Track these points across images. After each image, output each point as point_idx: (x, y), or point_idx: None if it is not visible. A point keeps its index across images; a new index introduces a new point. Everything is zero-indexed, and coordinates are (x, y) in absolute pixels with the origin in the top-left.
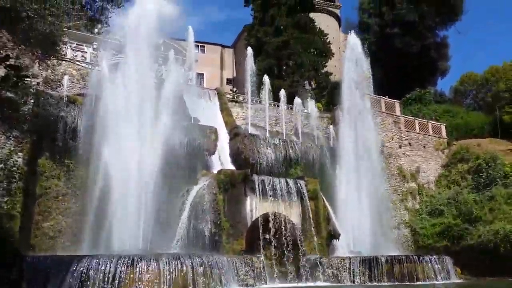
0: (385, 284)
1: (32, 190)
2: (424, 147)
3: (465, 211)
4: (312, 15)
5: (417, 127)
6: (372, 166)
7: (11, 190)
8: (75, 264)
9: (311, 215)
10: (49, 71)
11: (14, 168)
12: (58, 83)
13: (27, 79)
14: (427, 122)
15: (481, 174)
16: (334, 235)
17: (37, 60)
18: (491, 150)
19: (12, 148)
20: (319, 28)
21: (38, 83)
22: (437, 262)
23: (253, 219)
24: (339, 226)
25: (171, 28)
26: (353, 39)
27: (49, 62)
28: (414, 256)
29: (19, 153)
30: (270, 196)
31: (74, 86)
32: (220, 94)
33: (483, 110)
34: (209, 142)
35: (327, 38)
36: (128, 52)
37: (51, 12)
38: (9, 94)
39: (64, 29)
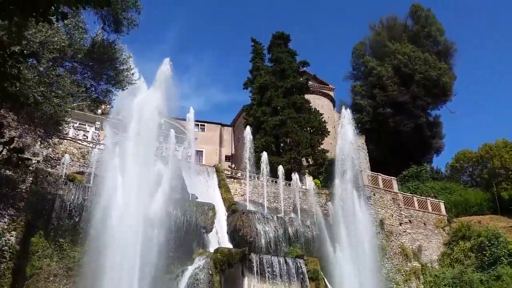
0: None
1: (23, 271)
2: (425, 224)
3: None
4: (307, 96)
5: (416, 204)
6: (370, 244)
7: (0, 271)
8: None
9: None
10: (50, 149)
11: (6, 247)
12: (58, 161)
13: (25, 163)
14: (426, 199)
15: (484, 252)
16: None
17: (39, 139)
18: (492, 227)
19: (5, 227)
20: (314, 108)
21: (38, 161)
22: None
23: None
24: None
25: (173, 109)
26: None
27: (50, 141)
28: None
29: (12, 232)
30: (269, 276)
31: (74, 164)
32: (218, 171)
33: (480, 186)
34: (206, 219)
35: (322, 117)
36: (129, 133)
37: (57, 94)
38: (8, 172)
39: (68, 109)
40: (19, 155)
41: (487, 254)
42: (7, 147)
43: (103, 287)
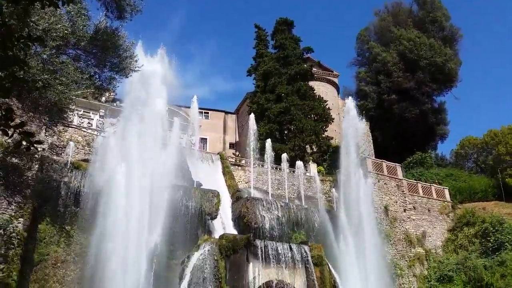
0: None
1: (30, 257)
2: (429, 210)
3: (475, 277)
4: (311, 83)
5: (420, 190)
6: (374, 231)
7: (8, 257)
8: None
9: (316, 283)
10: (55, 137)
11: (14, 234)
12: (63, 149)
13: (35, 146)
14: (430, 185)
15: (488, 238)
16: None
17: (44, 126)
18: (496, 213)
19: (13, 214)
20: (319, 95)
21: (43, 149)
22: None
23: (256, 286)
24: None
25: (177, 96)
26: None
27: (55, 128)
28: None
29: (19, 219)
30: (274, 262)
31: (79, 152)
32: (222, 158)
33: (485, 173)
34: (211, 206)
35: (326, 104)
36: (134, 119)
37: (61, 81)
38: (14, 160)
39: (72, 97)
40: (30, 138)
41: (491, 240)
42: (18, 131)
43: (110, 270)
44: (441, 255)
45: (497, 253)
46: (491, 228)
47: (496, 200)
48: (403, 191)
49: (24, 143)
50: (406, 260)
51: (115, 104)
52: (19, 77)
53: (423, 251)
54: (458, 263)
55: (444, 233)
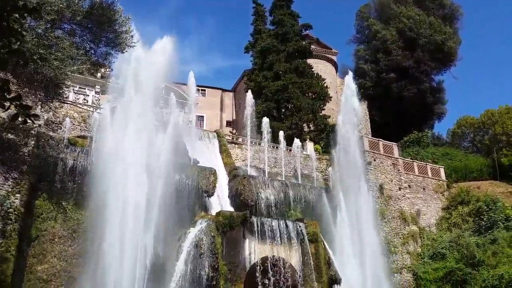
0: None
1: (28, 232)
2: (424, 189)
3: (468, 254)
4: (309, 61)
5: (416, 169)
6: (370, 209)
7: (6, 232)
8: None
9: (311, 259)
10: (51, 113)
11: (11, 210)
12: (59, 125)
13: (32, 119)
14: (426, 164)
15: (482, 217)
16: (335, 280)
17: (40, 102)
18: (491, 192)
19: (9, 190)
20: (317, 73)
21: (39, 125)
22: None
23: (252, 262)
24: (340, 270)
25: (174, 73)
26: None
27: (51, 104)
28: None
29: (16, 195)
30: (269, 238)
31: (75, 128)
32: (219, 136)
33: (481, 152)
34: (208, 184)
35: (324, 83)
36: (130, 96)
37: (56, 57)
38: (10, 136)
39: (68, 73)
40: (27, 111)
41: (484, 219)
42: (15, 103)
43: (107, 246)
44: (434, 233)
45: (489, 231)
46: (485, 207)
47: (491, 180)
48: (398, 170)
49: (20, 117)
50: (400, 238)
51: (111, 80)
52: (14, 48)
53: (417, 229)
54: (451, 241)
55: (438, 212)
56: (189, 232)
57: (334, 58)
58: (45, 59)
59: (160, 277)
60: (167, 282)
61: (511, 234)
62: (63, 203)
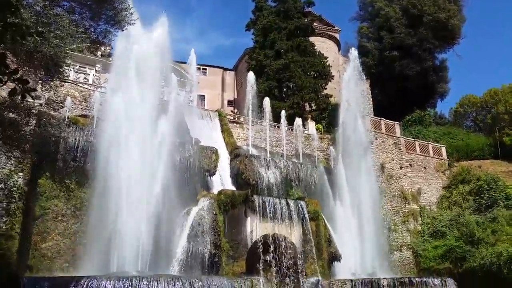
0: None
1: (32, 211)
2: (425, 168)
3: (467, 232)
4: (311, 39)
5: (417, 148)
6: (371, 188)
7: (10, 210)
8: (73, 285)
9: (312, 236)
10: (52, 92)
11: (14, 188)
12: (61, 104)
13: (30, 100)
14: (428, 143)
15: (482, 196)
16: (335, 256)
17: (40, 81)
18: (492, 171)
19: (12, 168)
20: (319, 51)
21: (40, 104)
22: (440, 284)
23: (254, 240)
24: (340, 247)
25: (174, 51)
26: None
27: (52, 83)
28: (417, 279)
29: (19, 173)
30: (271, 217)
31: (76, 107)
32: (221, 115)
33: (483, 132)
34: (209, 163)
35: (326, 61)
36: (131, 74)
37: (56, 35)
38: (11, 115)
39: (68, 51)
40: (25, 86)
41: (484, 197)
42: (13, 77)
43: (111, 223)
44: (435, 212)
45: (489, 210)
46: (486, 186)
47: (492, 159)
48: (400, 149)
49: (18, 92)
50: (400, 216)
51: (111, 58)
52: (11, 21)
53: (418, 207)
54: (451, 219)
55: (439, 190)
56: (191, 210)
57: (337, 36)
58: (44, 37)
59: (163, 254)
60: (170, 259)
61: (510, 213)
62: (66, 181)
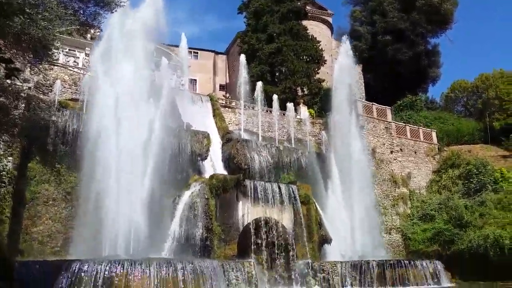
0: None
1: (22, 195)
2: (415, 153)
3: (456, 216)
4: (304, 22)
5: (408, 133)
6: (362, 172)
7: (0, 195)
8: (65, 269)
9: (303, 220)
10: (41, 76)
11: (4, 172)
12: (50, 88)
13: (19, 83)
14: (418, 128)
15: (471, 180)
16: (325, 239)
17: (29, 64)
18: (481, 156)
19: (1, 152)
20: (312, 35)
21: (29, 88)
22: (428, 266)
23: (245, 223)
24: (331, 230)
25: (165, 34)
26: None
27: (40, 66)
28: (405, 261)
29: (9, 157)
30: (262, 201)
31: (66, 91)
32: (213, 100)
33: (473, 117)
34: (201, 147)
35: (319, 45)
36: (121, 57)
37: (44, 17)
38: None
39: (57, 33)
40: (8, 65)
41: (473, 182)
42: None
43: (102, 207)
44: (424, 195)
45: (478, 194)
46: (475, 170)
47: (482, 143)
48: (391, 134)
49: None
50: (390, 200)
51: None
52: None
53: (407, 191)
54: (440, 202)
55: (429, 175)
56: (183, 194)
57: (330, 19)
58: (31, 19)
59: (155, 238)
60: (162, 242)
61: (498, 197)
62: (56, 166)
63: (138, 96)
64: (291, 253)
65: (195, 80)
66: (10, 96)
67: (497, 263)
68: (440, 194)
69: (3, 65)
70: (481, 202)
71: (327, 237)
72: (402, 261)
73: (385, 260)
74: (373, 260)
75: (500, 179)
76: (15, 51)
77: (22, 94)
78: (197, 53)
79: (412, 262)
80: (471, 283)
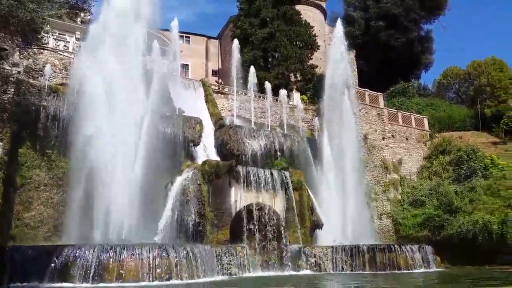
0: (366, 272)
1: (13, 180)
2: (407, 139)
3: (446, 201)
4: (298, 7)
5: (400, 119)
6: (354, 158)
7: None
8: (57, 254)
9: (295, 206)
10: (30, 60)
11: None
12: (40, 72)
13: (8, 67)
14: (410, 114)
15: (462, 166)
16: (317, 225)
17: (18, 48)
18: (472, 142)
19: None
20: (305, 20)
21: (18, 72)
22: (418, 251)
23: (238, 209)
24: (322, 216)
25: (157, 18)
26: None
27: (30, 51)
28: (395, 246)
29: None
30: (255, 186)
31: (57, 76)
32: (205, 85)
33: (465, 103)
34: (194, 133)
35: (313, 31)
36: (112, 42)
37: None
38: None
39: (46, 17)
40: None
41: (464, 168)
42: None
43: (95, 193)
44: (415, 181)
45: (468, 180)
46: (465, 157)
47: (473, 130)
48: (383, 120)
49: None
50: (381, 185)
51: (90, 25)
52: None
53: (398, 177)
54: (431, 188)
55: (420, 161)
56: (175, 180)
57: (323, 4)
58: (19, 1)
59: (147, 223)
60: (155, 228)
61: (488, 183)
62: (47, 151)
63: (129, 81)
64: (283, 238)
65: (187, 65)
66: None
67: (485, 248)
68: (430, 180)
69: None
70: (471, 188)
71: (319, 223)
72: (392, 246)
73: (376, 245)
74: (363, 245)
75: (490, 166)
76: (3, 34)
77: (11, 79)
78: (189, 37)
79: (403, 247)
80: (459, 268)
